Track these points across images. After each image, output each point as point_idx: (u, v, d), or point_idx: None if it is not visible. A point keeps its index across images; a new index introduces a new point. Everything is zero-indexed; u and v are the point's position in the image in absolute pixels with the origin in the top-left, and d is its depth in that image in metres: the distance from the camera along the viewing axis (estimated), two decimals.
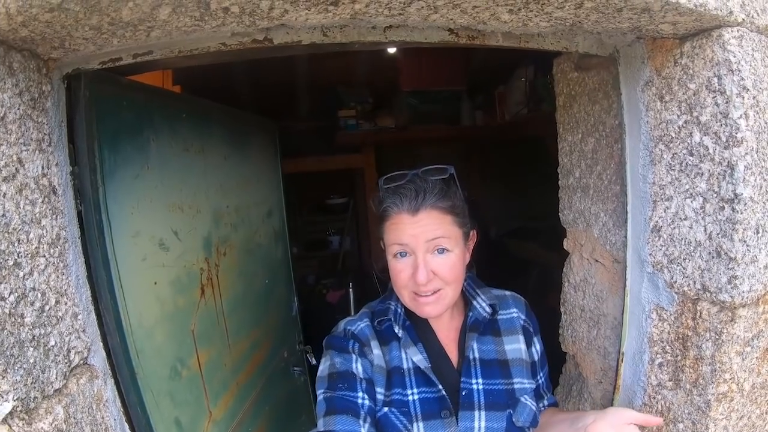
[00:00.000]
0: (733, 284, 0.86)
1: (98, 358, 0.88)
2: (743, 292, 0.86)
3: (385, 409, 0.93)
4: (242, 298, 1.39)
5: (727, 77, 0.83)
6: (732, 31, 0.84)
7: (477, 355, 1.01)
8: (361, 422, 0.89)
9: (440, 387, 0.94)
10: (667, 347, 0.97)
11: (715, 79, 0.85)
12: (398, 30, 0.87)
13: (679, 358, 0.96)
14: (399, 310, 1.03)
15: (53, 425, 0.75)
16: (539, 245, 2.58)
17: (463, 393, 0.95)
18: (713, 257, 0.88)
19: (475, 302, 1.06)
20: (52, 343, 0.78)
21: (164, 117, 1.05)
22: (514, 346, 1.04)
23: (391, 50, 2.48)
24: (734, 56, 0.83)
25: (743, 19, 0.85)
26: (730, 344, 0.88)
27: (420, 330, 1.02)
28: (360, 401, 0.92)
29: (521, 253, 2.80)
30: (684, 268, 0.93)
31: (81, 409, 0.82)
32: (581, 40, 0.98)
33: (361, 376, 0.94)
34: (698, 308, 0.91)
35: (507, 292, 1.13)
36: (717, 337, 0.89)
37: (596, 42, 1.00)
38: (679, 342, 0.96)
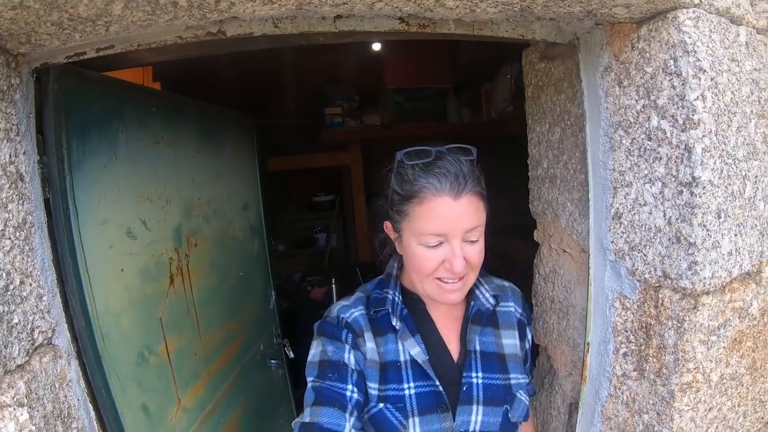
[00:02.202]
0: (694, 270, 0.84)
1: (63, 339, 0.92)
2: (705, 278, 0.84)
3: (380, 405, 0.91)
4: (215, 290, 1.40)
5: (683, 59, 0.82)
6: (687, 12, 0.83)
7: (479, 348, 0.98)
8: (347, 416, 0.87)
9: (437, 382, 0.92)
10: (631, 336, 0.95)
11: (671, 62, 0.84)
12: (347, 20, 0.88)
13: (642, 347, 0.94)
14: (397, 299, 0.98)
15: (15, 399, 0.78)
16: (525, 243, 2.54)
17: (464, 387, 0.93)
18: (673, 243, 0.86)
19: (477, 291, 1.02)
20: (16, 320, 0.82)
21: (134, 110, 1.08)
22: (510, 341, 1.02)
23: (376, 47, 2.50)
24: (689, 37, 0.82)
25: (700, 1, 0.84)
26: (693, 333, 0.86)
27: (418, 320, 0.98)
28: (348, 393, 0.89)
29: (506, 251, 2.76)
30: (645, 255, 0.91)
31: (43, 386, 0.85)
32: (538, 27, 0.98)
33: (353, 368, 0.92)
34: (660, 296, 0.90)
35: (506, 283, 1.10)
36: (679, 325, 0.87)
37: (554, 29, 0.99)
38: (642, 331, 0.94)
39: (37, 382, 0.84)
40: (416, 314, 0.99)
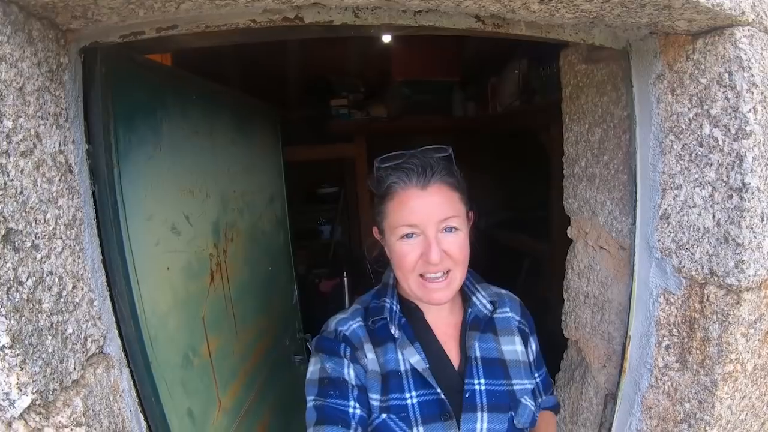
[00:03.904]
0: (740, 268, 0.90)
1: (114, 347, 0.84)
2: (749, 276, 0.91)
3: (383, 416, 0.89)
4: (248, 285, 1.35)
5: (738, 73, 0.87)
6: (743, 30, 0.88)
7: (479, 354, 0.96)
8: None
9: (438, 390, 0.90)
10: (674, 330, 1.02)
11: (726, 75, 0.89)
12: (428, 15, 0.87)
13: (686, 340, 1.00)
14: (395, 307, 0.97)
15: (72, 418, 0.71)
16: (529, 236, 2.64)
17: (467, 395, 0.91)
18: (721, 243, 0.92)
19: (474, 298, 1.02)
20: (70, 330, 0.74)
21: (176, 98, 1.01)
22: (511, 348, 1.01)
23: (386, 39, 2.46)
24: (745, 54, 0.87)
25: (753, 19, 0.89)
26: (736, 326, 0.93)
27: (417, 328, 0.97)
28: (351, 410, 0.87)
29: (512, 244, 2.85)
30: (692, 254, 0.97)
31: (99, 400, 0.78)
32: (598, 32, 1.01)
33: (353, 383, 0.90)
34: (705, 292, 0.96)
35: (503, 291, 1.09)
36: (724, 319, 0.93)
37: (611, 35, 1.02)
38: (686, 324, 1.00)
39: (93, 398, 0.77)
40: (414, 322, 0.98)
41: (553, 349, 1.40)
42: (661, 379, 1.04)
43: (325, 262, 3.39)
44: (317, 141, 3.09)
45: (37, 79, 0.70)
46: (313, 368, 0.93)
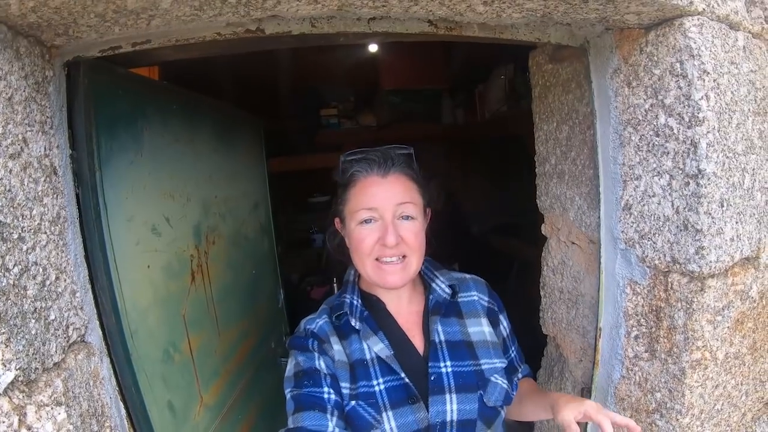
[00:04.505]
0: (701, 255, 0.91)
1: (95, 337, 0.90)
2: (711, 262, 0.92)
3: (353, 402, 0.93)
4: (231, 288, 1.41)
5: (689, 62, 0.90)
6: (692, 19, 0.91)
7: (443, 338, 1.00)
8: (328, 416, 0.89)
9: (402, 375, 0.94)
10: (642, 320, 1.03)
11: (678, 64, 0.91)
12: (381, 21, 0.92)
13: (653, 329, 1.01)
14: (355, 302, 1.03)
15: (52, 397, 0.77)
16: (521, 241, 2.65)
17: (432, 378, 0.95)
18: (681, 230, 0.94)
19: (434, 284, 1.06)
20: (53, 317, 0.81)
21: (156, 108, 1.08)
22: (477, 329, 1.04)
23: (373, 48, 2.54)
24: (694, 42, 0.90)
25: (704, 9, 0.92)
26: (700, 313, 0.94)
27: (379, 319, 1.02)
28: (326, 396, 0.92)
29: (503, 249, 2.86)
30: (654, 243, 0.99)
31: (79, 384, 0.84)
32: (553, 31, 1.05)
33: (325, 372, 0.95)
34: (669, 280, 0.97)
35: (467, 275, 1.13)
36: (688, 306, 0.94)
37: (567, 33, 1.06)
38: (652, 314, 1.01)
39: (73, 380, 0.82)
40: (377, 314, 1.02)
41: (540, 348, 1.41)
42: (632, 370, 1.05)
43: (317, 270, 3.44)
44: (308, 150, 3.16)
45: (24, 91, 0.78)
46: (289, 366, 0.99)
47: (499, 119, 2.78)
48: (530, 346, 1.23)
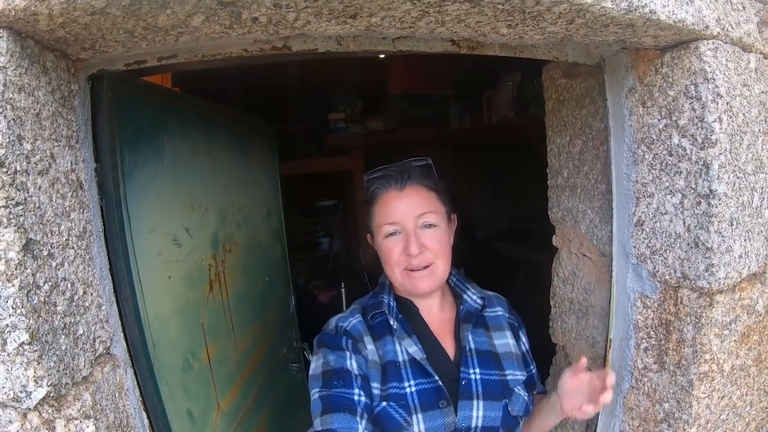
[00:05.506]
0: (711, 272, 0.94)
1: (119, 349, 0.91)
2: (720, 278, 0.95)
3: (383, 403, 0.93)
4: (246, 295, 1.42)
5: (703, 85, 0.92)
6: (708, 43, 0.92)
7: (473, 346, 1.03)
8: (358, 419, 0.89)
9: (436, 377, 0.96)
10: (652, 332, 1.06)
11: (692, 87, 0.94)
12: (405, 41, 0.94)
13: (662, 341, 1.04)
14: (392, 303, 1.05)
15: (81, 411, 0.78)
16: (527, 247, 2.68)
17: (463, 382, 0.97)
18: (692, 247, 0.97)
19: (465, 295, 1.10)
20: (81, 331, 0.81)
21: (176, 119, 1.09)
22: (503, 341, 1.08)
23: (381, 54, 2.55)
24: (709, 66, 0.92)
25: (718, 33, 0.94)
26: (709, 327, 0.97)
27: (413, 323, 1.04)
28: (356, 398, 0.91)
29: (509, 255, 2.89)
30: (665, 258, 1.01)
31: (106, 396, 0.85)
32: (570, 50, 1.07)
33: (356, 373, 0.94)
34: (679, 295, 1.00)
35: (490, 293, 1.17)
36: (697, 320, 0.97)
37: (584, 52, 1.08)
38: (662, 327, 1.04)
39: (100, 393, 0.84)
40: (411, 318, 1.05)
41: (544, 358, 1.44)
42: (640, 381, 1.08)
43: (324, 274, 3.46)
44: (316, 155, 3.18)
45: (51, 105, 0.78)
46: (316, 364, 0.99)
47: (506, 125, 2.80)
48: (539, 353, 1.25)
